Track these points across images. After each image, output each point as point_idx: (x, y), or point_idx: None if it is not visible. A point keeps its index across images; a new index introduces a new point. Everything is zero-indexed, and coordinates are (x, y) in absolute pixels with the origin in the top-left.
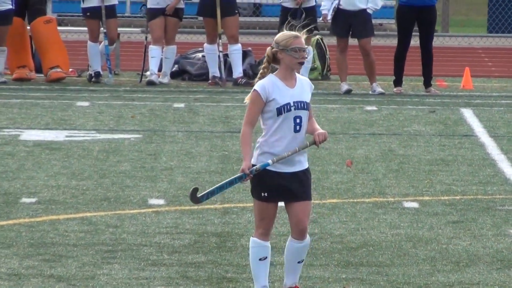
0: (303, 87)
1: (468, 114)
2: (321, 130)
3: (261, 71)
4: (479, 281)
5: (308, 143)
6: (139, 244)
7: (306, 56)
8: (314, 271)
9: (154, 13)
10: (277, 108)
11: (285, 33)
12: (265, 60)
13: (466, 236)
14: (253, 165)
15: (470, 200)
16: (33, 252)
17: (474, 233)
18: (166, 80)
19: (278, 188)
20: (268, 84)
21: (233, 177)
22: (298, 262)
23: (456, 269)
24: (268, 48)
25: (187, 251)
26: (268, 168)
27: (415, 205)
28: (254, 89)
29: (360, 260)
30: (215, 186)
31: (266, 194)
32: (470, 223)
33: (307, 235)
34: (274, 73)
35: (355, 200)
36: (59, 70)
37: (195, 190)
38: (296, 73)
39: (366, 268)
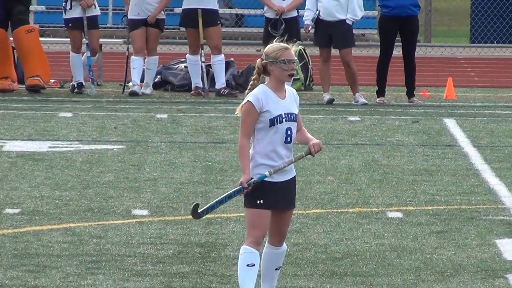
0: (291, 98)
1: (451, 124)
2: (315, 140)
3: (251, 82)
4: None
5: (303, 154)
6: (123, 254)
7: (295, 67)
8: (298, 281)
9: (135, 24)
10: (270, 119)
11: (274, 45)
12: (255, 71)
13: (450, 246)
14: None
15: (454, 210)
16: (17, 263)
17: (458, 243)
18: (148, 91)
19: (274, 197)
20: (261, 95)
21: (231, 191)
22: (276, 269)
23: (441, 279)
24: (258, 60)
25: (171, 262)
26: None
27: (399, 215)
28: (248, 100)
29: (344, 270)
30: (214, 201)
31: (261, 201)
32: (454, 233)
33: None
34: (265, 83)
35: (339, 210)
36: (37, 78)
37: (196, 206)
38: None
39: (350, 278)
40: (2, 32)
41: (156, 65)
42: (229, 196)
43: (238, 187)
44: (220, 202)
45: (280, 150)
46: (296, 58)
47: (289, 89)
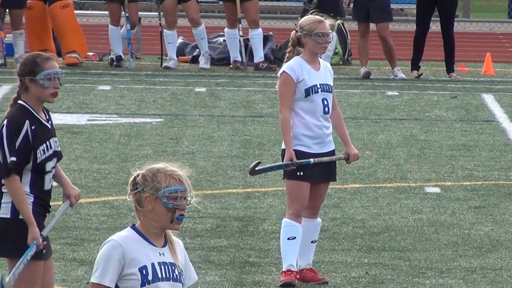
0: (326, 70)
1: (489, 99)
2: (355, 151)
3: (287, 55)
4: (501, 266)
5: (342, 156)
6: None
7: (330, 40)
8: (336, 256)
9: None
10: (305, 89)
11: (309, 18)
12: (290, 44)
13: (488, 222)
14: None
15: (491, 185)
16: (56, 236)
17: (496, 219)
18: (207, 65)
19: (314, 169)
20: (296, 66)
21: (281, 163)
22: (312, 242)
23: (478, 254)
24: (293, 32)
25: (209, 235)
26: (303, 150)
27: (437, 190)
28: (283, 71)
29: (382, 245)
30: (267, 166)
31: (301, 173)
32: (492, 209)
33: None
34: (299, 56)
35: (377, 185)
36: (74, 55)
37: (258, 163)
38: (319, 58)
39: (388, 253)
40: (41, 5)
41: (205, 33)
42: (279, 167)
43: (287, 162)
44: (271, 168)
45: (318, 120)
46: (331, 31)
47: (323, 62)
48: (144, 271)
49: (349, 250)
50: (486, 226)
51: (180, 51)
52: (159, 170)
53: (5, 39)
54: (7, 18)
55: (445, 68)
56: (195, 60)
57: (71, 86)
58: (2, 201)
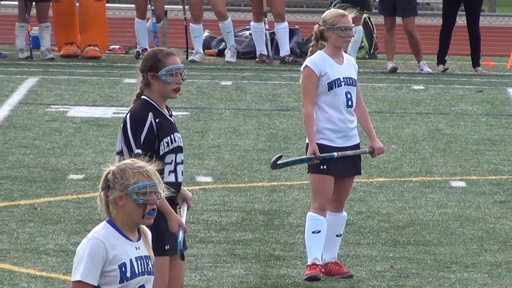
0: (350, 64)
1: None
2: (380, 144)
3: (310, 49)
4: None
5: (367, 150)
6: (187, 221)
7: (352, 34)
8: (361, 250)
9: None
10: (328, 83)
11: (332, 12)
12: (313, 38)
13: None
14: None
15: None
16: (81, 229)
17: None
18: (233, 58)
19: (338, 163)
20: (318, 60)
21: (304, 156)
22: (337, 236)
23: (504, 249)
24: (316, 26)
25: (234, 229)
26: (327, 143)
27: (462, 184)
28: (306, 65)
29: (407, 239)
30: (290, 159)
31: (325, 167)
32: None
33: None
34: (322, 50)
35: (403, 179)
36: (97, 49)
37: (279, 157)
38: (343, 52)
39: (413, 247)
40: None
41: (232, 27)
42: (301, 160)
43: (310, 156)
44: (294, 162)
45: (341, 114)
46: (358, 26)
47: (347, 56)
48: (123, 268)
49: (374, 244)
50: (511, 220)
51: (206, 45)
52: (127, 166)
53: (31, 32)
54: (33, 11)
55: (471, 62)
56: (221, 53)
57: (97, 79)
58: None
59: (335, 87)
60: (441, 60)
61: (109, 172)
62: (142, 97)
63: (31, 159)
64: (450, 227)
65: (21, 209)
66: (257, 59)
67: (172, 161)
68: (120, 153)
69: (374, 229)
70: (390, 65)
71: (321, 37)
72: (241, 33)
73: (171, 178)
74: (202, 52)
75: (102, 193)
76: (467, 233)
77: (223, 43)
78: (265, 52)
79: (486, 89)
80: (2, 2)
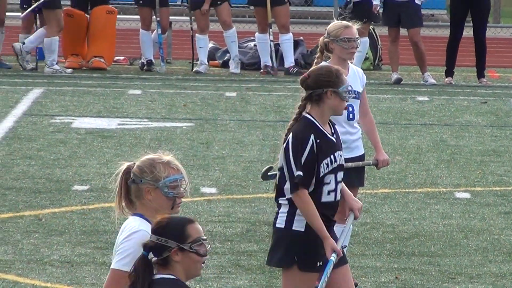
0: (355, 76)
1: None
2: (385, 156)
3: (315, 60)
4: None
5: (371, 162)
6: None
7: (357, 46)
8: (366, 261)
9: (196, 2)
10: None
11: (336, 23)
12: (318, 50)
13: None
14: None
15: None
16: (86, 240)
17: None
18: (237, 69)
19: None
20: None
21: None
22: (342, 247)
23: (508, 260)
24: (321, 38)
25: (239, 240)
26: None
27: (466, 195)
28: None
29: (412, 250)
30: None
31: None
32: None
33: None
34: (327, 61)
35: (407, 190)
36: (102, 60)
37: (270, 168)
38: (349, 63)
39: (418, 258)
40: (81, 15)
41: (236, 37)
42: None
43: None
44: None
45: (342, 127)
46: (365, 37)
47: (354, 67)
48: None
49: (379, 255)
50: None
51: (211, 56)
52: (156, 160)
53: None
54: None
55: (475, 74)
56: (225, 64)
57: (101, 90)
58: (280, 211)
59: None
60: (449, 72)
61: (131, 167)
62: (305, 115)
63: (35, 170)
64: (454, 238)
65: (25, 220)
66: (261, 70)
67: (330, 181)
68: (281, 169)
69: (378, 240)
70: (394, 76)
71: (326, 49)
72: (245, 44)
73: (330, 198)
74: (207, 63)
75: (122, 188)
76: (471, 244)
77: (228, 54)
78: (270, 63)
79: (491, 100)
80: (7, 13)
